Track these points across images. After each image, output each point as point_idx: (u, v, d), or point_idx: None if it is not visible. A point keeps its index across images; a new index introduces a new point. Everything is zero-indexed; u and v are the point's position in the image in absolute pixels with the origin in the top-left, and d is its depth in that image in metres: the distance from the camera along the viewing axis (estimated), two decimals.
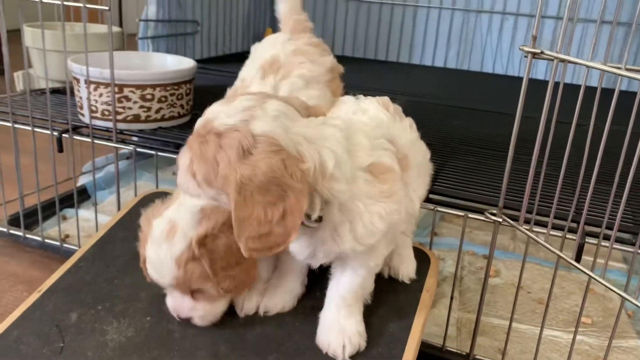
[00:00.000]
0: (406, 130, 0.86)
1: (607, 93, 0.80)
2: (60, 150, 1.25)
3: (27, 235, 1.43)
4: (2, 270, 1.36)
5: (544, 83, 0.86)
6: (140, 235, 0.85)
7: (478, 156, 1.31)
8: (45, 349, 0.83)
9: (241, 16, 2.54)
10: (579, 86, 0.81)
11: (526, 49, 0.86)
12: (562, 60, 0.84)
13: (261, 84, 1.00)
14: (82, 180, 1.77)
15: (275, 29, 2.82)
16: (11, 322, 0.89)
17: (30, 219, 1.49)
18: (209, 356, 0.81)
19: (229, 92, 1.03)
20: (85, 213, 1.59)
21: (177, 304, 0.84)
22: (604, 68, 0.77)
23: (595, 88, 0.82)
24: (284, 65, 1.02)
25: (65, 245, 1.39)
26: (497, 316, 1.27)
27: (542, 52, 0.85)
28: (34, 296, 0.93)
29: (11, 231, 1.44)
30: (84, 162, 1.83)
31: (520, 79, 0.88)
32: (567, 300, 1.36)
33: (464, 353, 1.08)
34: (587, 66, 0.79)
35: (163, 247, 0.78)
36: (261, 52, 1.09)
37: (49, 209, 1.53)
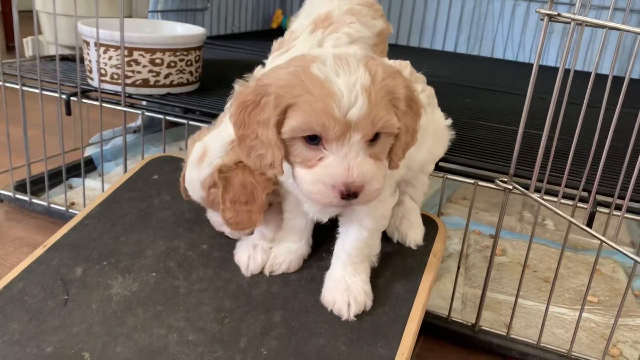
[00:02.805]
0: None
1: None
2: (69, 113, 1.24)
3: (33, 200, 1.42)
4: (7, 234, 1.36)
5: (555, 70, 0.85)
6: (187, 151, 0.93)
7: (488, 130, 1.30)
8: (49, 301, 0.83)
9: None
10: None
11: (542, 11, 0.84)
12: (580, 24, 0.83)
13: (308, 37, 1.03)
14: (89, 152, 1.77)
15: (285, 10, 2.82)
16: (16, 275, 0.89)
17: (36, 186, 1.48)
18: (214, 311, 0.81)
19: (275, 44, 1.08)
20: (91, 182, 1.58)
21: (213, 218, 0.95)
22: (623, 27, 0.76)
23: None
24: (335, 22, 1.05)
25: (70, 210, 1.39)
26: (503, 292, 1.26)
27: (558, 15, 0.84)
28: (39, 251, 0.93)
29: (17, 196, 1.44)
30: (90, 135, 1.82)
31: (531, 65, 0.87)
32: (573, 280, 1.34)
33: (470, 323, 1.07)
34: (606, 27, 0.78)
35: (195, 170, 0.86)
36: (317, 5, 1.12)
37: (54, 178, 1.52)
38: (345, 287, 0.81)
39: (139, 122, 1.99)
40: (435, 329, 1.09)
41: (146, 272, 0.88)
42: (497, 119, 1.42)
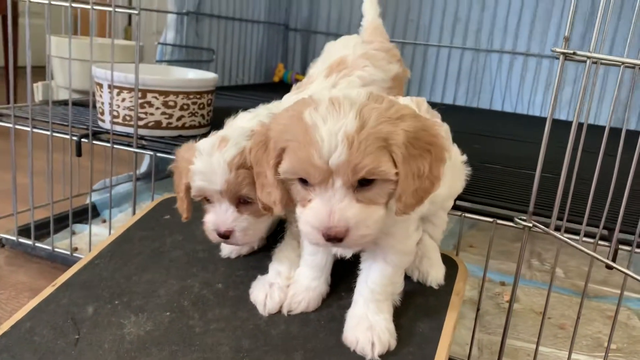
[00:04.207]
0: None
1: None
2: (79, 154, 1.24)
3: (37, 245, 1.39)
4: (9, 279, 1.33)
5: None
6: (178, 165, 0.88)
7: (499, 173, 1.30)
8: (59, 341, 0.80)
9: (255, 50, 2.58)
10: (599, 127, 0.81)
11: (558, 50, 0.86)
12: (595, 62, 0.84)
13: (323, 81, 1.04)
14: (92, 198, 1.75)
15: (286, 65, 2.88)
16: (24, 314, 0.86)
17: (38, 231, 1.45)
18: (232, 351, 0.78)
19: (294, 86, 1.10)
20: (95, 228, 1.55)
21: (220, 216, 0.83)
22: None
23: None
24: (349, 66, 1.07)
25: (75, 254, 1.36)
26: (519, 339, 1.23)
27: (574, 53, 0.85)
28: (48, 290, 0.90)
29: (20, 240, 1.41)
30: (93, 182, 1.80)
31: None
32: (589, 327, 1.32)
33: None
34: (622, 63, 0.79)
35: (215, 155, 0.81)
36: (333, 52, 1.16)
37: (56, 224, 1.49)
38: (368, 326, 0.78)
39: (142, 169, 1.98)
40: None
41: (160, 311, 0.85)
42: (506, 163, 1.43)
